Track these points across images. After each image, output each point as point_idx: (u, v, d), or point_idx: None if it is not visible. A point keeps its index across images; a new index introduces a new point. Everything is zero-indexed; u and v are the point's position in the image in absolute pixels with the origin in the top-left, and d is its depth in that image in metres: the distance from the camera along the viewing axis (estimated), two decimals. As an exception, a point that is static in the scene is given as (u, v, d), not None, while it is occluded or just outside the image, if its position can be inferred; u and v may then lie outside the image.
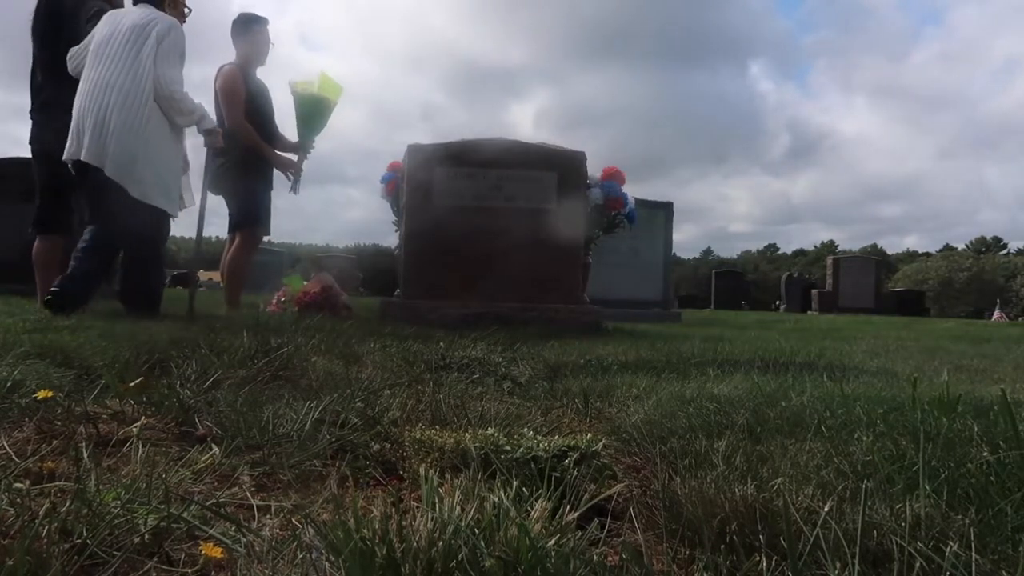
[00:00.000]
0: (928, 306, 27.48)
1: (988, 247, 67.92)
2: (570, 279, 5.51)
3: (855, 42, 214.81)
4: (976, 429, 1.36)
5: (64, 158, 3.94)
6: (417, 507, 0.93)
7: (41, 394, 1.44)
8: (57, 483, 1.03)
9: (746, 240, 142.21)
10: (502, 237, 5.31)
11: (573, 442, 1.24)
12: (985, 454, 1.17)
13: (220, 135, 4.40)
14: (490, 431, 1.33)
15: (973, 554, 0.80)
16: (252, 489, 1.14)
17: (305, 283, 6.41)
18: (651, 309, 9.69)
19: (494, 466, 1.16)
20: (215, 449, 1.30)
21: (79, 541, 0.83)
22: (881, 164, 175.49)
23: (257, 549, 0.87)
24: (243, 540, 0.89)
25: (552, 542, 0.82)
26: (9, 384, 1.61)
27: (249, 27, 5.09)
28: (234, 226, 5.13)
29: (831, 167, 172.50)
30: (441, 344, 3.22)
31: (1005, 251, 66.20)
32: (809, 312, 19.31)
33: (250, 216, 5.11)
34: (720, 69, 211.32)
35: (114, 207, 3.89)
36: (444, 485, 1.03)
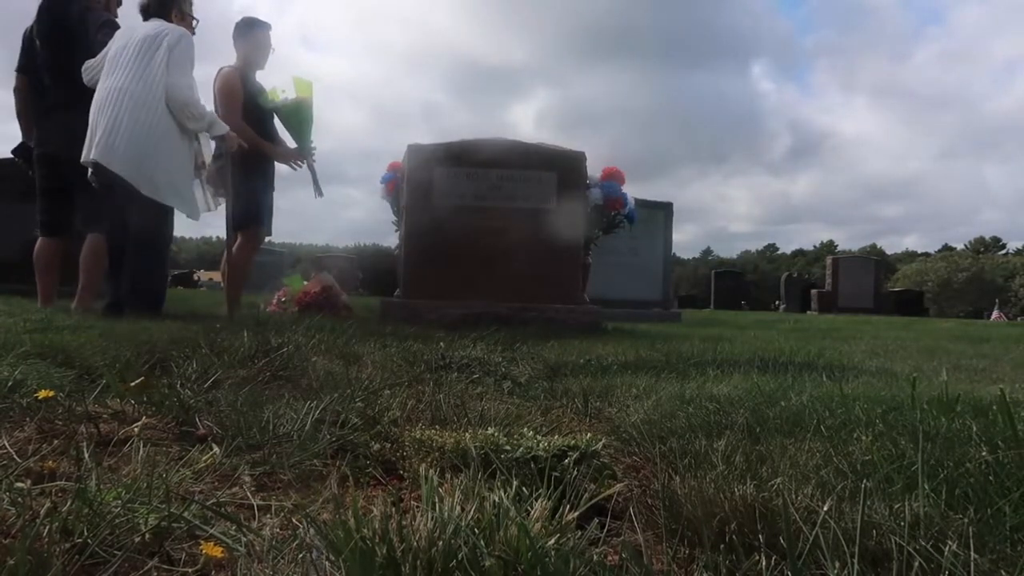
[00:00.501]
0: (927, 306, 27.46)
1: (987, 247, 67.93)
2: (570, 279, 5.51)
3: (856, 42, 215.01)
4: (975, 429, 1.36)
5: (81, 161, 4.07)
6: (417, 507, 0.94)
7: (42, 394, 1.44)
8: (58, 483, 1.03)
9: (746, 240, 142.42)
10: (502, 237, 5.31)
11: (573, 442, 1.24)
12: (984, 454, 1.17)
13: (235, 139, 4.47)
14: (490, 431, 1.33)
15: (972, 553, 0.80)
16: (252, 489, 1.15)
17: (305, 283, 6.42)
18: (651, 309, 9.69)
19: (494, 466, 1.16)
20: (215, 449, 1.30)
21: (80, 540, 0.83)
22: (882, 164, 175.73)
23: (257, 548, 0.87)
24: (243, 540, 0.89)
25: (552, 542, 0.82)
26: (10, 384, 1.61)
27: (251, 31, 5.11)
28: (235, 226, 5.13)
29: (832, 167, 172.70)
30: (441, 344, 3.23)
31: (1004, 251, 66.20)
32: (808, 312, 19.30)
33: (251, 216, 5.11)
34: (721, 69, 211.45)
35: (123, 207, 4.03)
36: (444, 485, 1.03)
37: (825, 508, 0.91)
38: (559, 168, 5.44)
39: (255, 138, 4.95)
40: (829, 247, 79.58)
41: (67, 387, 1.73)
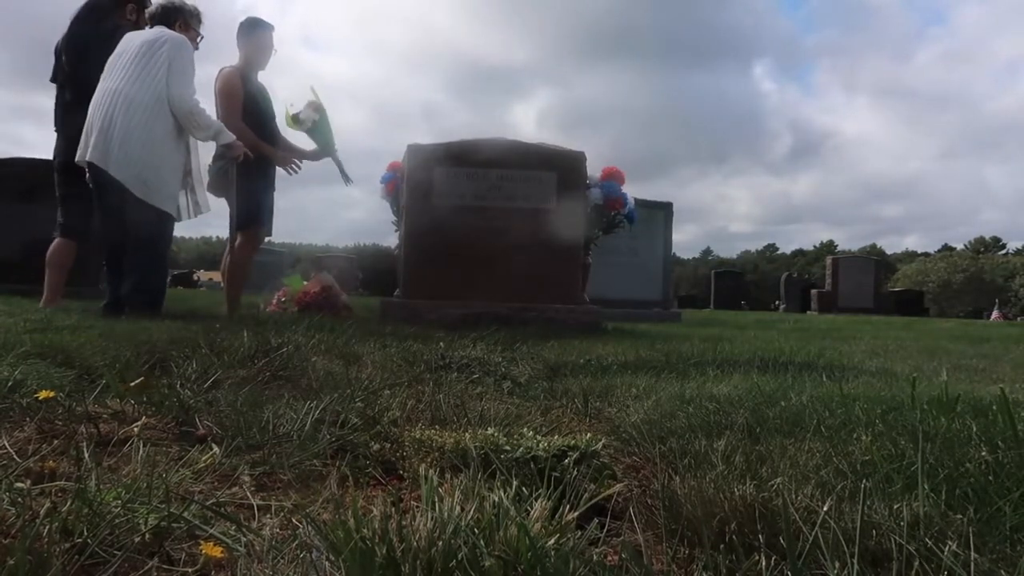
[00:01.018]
0: (927, 306, 27.46)
1: (987, 247, 67.93)
2: (570, 279, 5.51)
3: (858, 42, 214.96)
4: (975, 429, 1.36)
5: (76, 160, 4.13)
6: (417, 507, 0.94)
7: (42, 394, 1.44)
8: (58, 483, 1.03)
9: (746, 240, 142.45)
10: (502, 237, 5.31)
11: (573, 442, 1.24)
12: (984, 454, 1.17)
13: (241, 148, 4.51)
14: (490, 431, 1.33)
15: (972, 553, 0.80)
16: (252, 489, 1.15)
17: (305, 283, 6.42)
18: (651, 309, 9.69)
19: (494, 466, 1.16)
20: (215, 449, 1.30)
21: (80, 540, 0.83)
22: (883, 164, 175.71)
23: (257, 548, 0.87)
24: (243, 540, 0.89)
25: (552, 542, 0.82)
26: (10, 384, 1.61)
27: (254, 31, 5.13)
28: (236, 226, 5.13)
29: (832, 167, 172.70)
30: (441, 344, 3.23)
31: (1004, 251, 66.21)
32: (808, 312, 19.30)
33: (251, 216, 5.11)
34: (722, 69, 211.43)
35: (118, 207, 4.05)
36: (444, 485, 1.03)
37: (825, 508, 0.91)
38: (559, 168, 5.44)
39: (255, 140, 4.96)
40: (829, 247, 79.60)
41: (67, 387, 1.73)
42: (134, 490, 1.00)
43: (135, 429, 1.42)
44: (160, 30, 4.21)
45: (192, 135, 4.24)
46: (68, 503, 0.89)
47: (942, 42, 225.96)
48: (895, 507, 0.96)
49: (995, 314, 25.37)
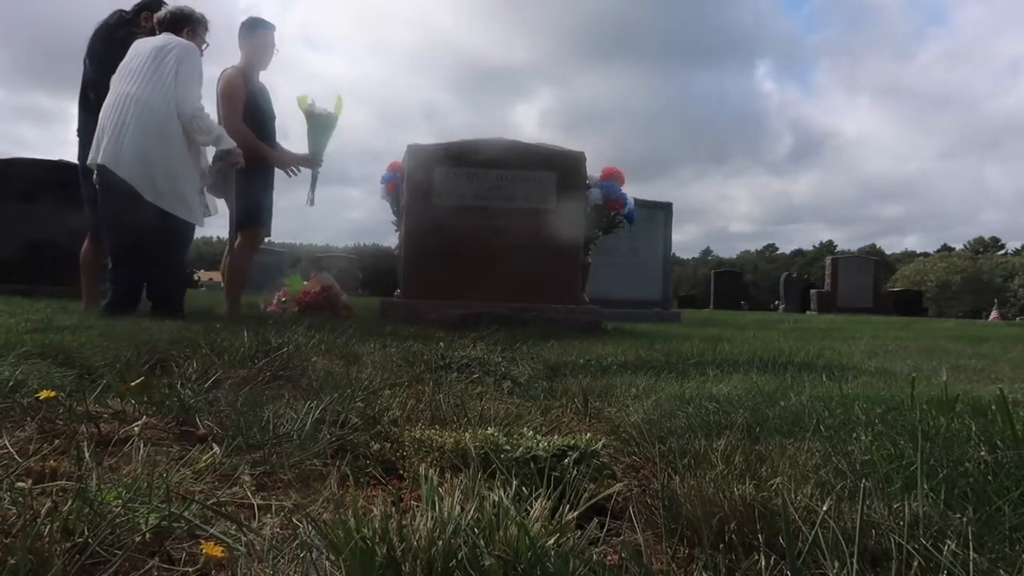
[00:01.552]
0: (926, 306, 27.47)
1: (986, 247, 67.93)
2: (570, 279, 5.51)
3: (859, 41, 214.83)
4: (974, 428, 1.36)
5: (88, 163, 4.20)
6: (417, 506, 0.94)
7: (43, 394, 1.45)
8: (59, 482, 1.03)
9: (747, 240, 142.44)
10: (502, 237, 5.31)
11: (572, 442, 1.25)
12: (983, 453, 1.18)
13: (240, 155, 4.53)
14: (490, 431, 1.33)
15: (971, 553, 0.80)
16: (253, 488, 1.15)
17: (305, 283, 6.42)
18: (650, 309, 9.70)
19: (494, 465, 1.16)
20: (216, 448, 1.30)
21: (80, 540, 0.83)
22: (883, 164, 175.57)
23: (258, 548, 0.87)
24: (244, 539, 0.89)
25: (552, 541, 0.82)
26: (11, 384, 1.62)
27: (255, 31, 5.13)
28: (235, 227, 5.14)
29: (833, 167, 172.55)
30: (441, 344, 3.23)
31: (1003, 251, 66.21)
32: (808, 312, 19.31)
33: (251, 217, 5.11)
34: (724, 68, 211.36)
35: (125, 210, 4.11)
36: (444, 484, 1.04)
37: (824, 508, 0.91)
38: (559, 168, 5.44)
39: (255, 142, 4.96)
40: (828, 247, 79.60)
41: (68, 387, 1.73)
42: (135, 490, 1.00)
43: (136, 429, 1.42)
44: (169, 37, 4.29)
45: (194, 139, 4.29)
46: (69, 503, 0.89)
47: (943, 42, 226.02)
48: (894, 507, 0.96)
49: (993, 314, 25.37)
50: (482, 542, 0.79)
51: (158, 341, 2.58)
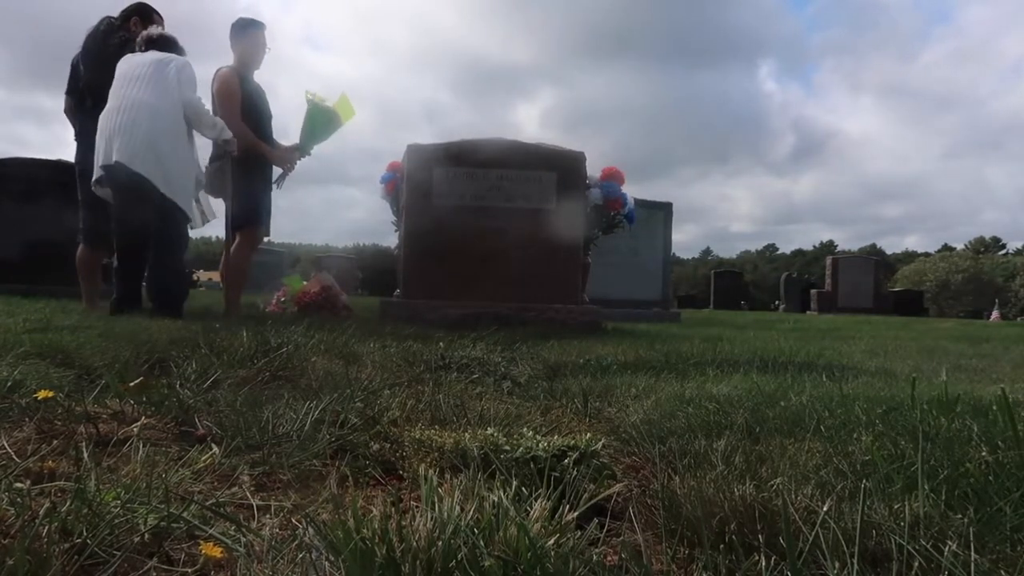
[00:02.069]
0: (927, 306, 27.46)
1: (987, 247, 67.92)
2: (569, 279, 5.51)
3: (863, 41, 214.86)
4: (975, 429, 1.36)
5: (101, 165, 4.33)
6: (417, 507, 0.93)
7: (41, 394, 1.44)
8: (57, 483, 1.03)
9: (746, 240, 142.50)
10: (502, 237, 5.31)
11: (572, 442, 1.24)
12: (984, 454, 1.17)
13: (236, 144, 4.72)
14: (489, 431, 1.33)
15: (972, 553, 0.80)
16: (252, 489, 1.14)
17: (305, 283, 6.42)
18: (650, 309, 9.69)
19: (494, 466, 1.16)
20: (215, 449, 1.30)
21: (79, 541, 0.83)
22: (885, 164, 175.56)
23: (257, 549, 0.87)
24: (243, 540, 0.89)
25: (551, 542, 0.82)
26: (9, 384, 1.61)
27: (245, 31, 5.16)
28: (234, 226, 5.14)
29: (835, 167, 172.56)
30: (440, 344, 3.23)
31: (1004, 251, 66.22)
32: (808, 312, 19.31)
33: (250, 216, 5.12)
34: (727, 68, 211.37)
35: (138, 207, 4.32)
36: (444, 485, 1.03)
37: (825, 508, 0.91)
38: (559, 168, 5.44)
39: (253, 139, 4.98)
40: (829, 247, 79.63)
41: (66, 387, 1.73)
42: (133, 490, 1.00)
43: (134, 429, 1.41)
44: (163, 53, 4.55)
45: (200, 133, 4.56)
46: (67, 503, 0.89)
47: (947, 42, 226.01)
48: (895, 507, 0.96)
49: (994, 314, 25.38)
50: (482, 542, 0.79)
51: (157, 341, 2.58)
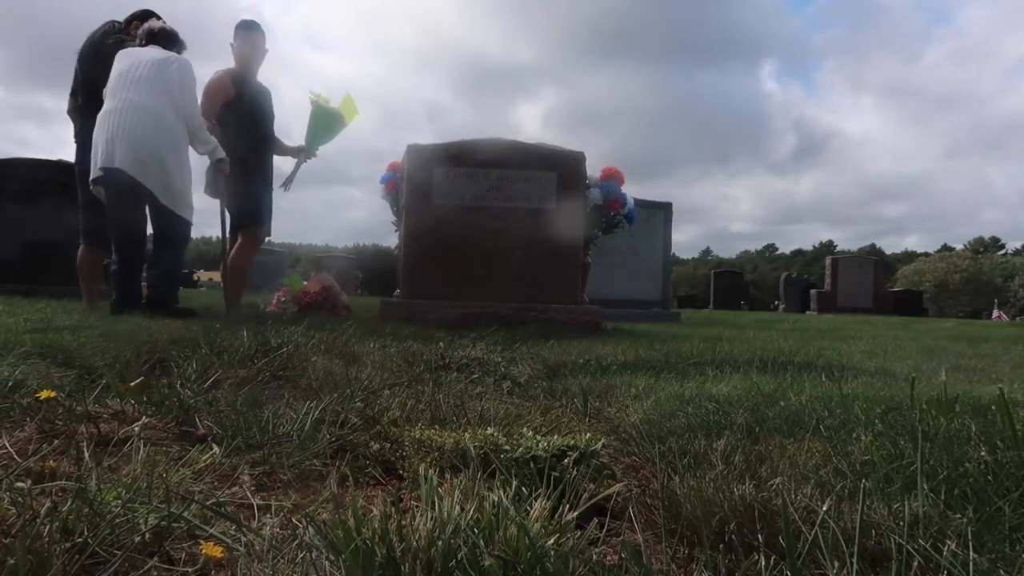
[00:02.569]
0: (926, 306, 27.46)
1: (986, 247, 67.91)
2: (569, 279, 5.51)
3: (865, 41, 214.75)
4: (974, 429, 1.36)
5: (101, 167, 4.33)
6: (417, 506, 0.94)
7: (43, 394, 1.44)
8: (58, 482, 1.03)
9: (746, 240, 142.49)
10: (501, 237, 5.31)
11: (572, 442, 1.25)
12: (983, 454, 1.17)
13: (228, 164, 4.78)
14: (489, 431, 1.33)
15: (971, 553, 0.80)
16: (252, 488, 1.15)
17: (305, 283, 6.42)
18: (650, 309, 9.70)
19: (493, 466, 1.16)
20: (215, 449, 1.30)
21: (80, 540, 0.83)
22: (886, 164, 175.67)
23: (257, 548, 0.87)
24: (243, 539, 0.89)
25: (551, 541, 0.82)
26: (11, 384, 1.61)
27: (242, 34, 5.21)
28: (235, 226, 5.15)
29: (836, 167, 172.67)
30: (440, 344, 3.23)
31: (1003, 251, 66.20)
32: (807, 312, 19.31)
33: (251, 216, 5.13)
34: (729, 68, 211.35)
35: (140, 212, 4.41)
36: (444, 485, 1.04)
37: (824, 508, 0.91)
38: (558, 168, 5.44)
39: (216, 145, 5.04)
40: (828, 247, 79.63)
41: (67, 387, 1.73)
42: (134, 490, 1.00)
43: (135, 429, 1.42)
44: (163, 50, 4.51)
45: (194, 148, 4.58)
46: (68, 503, 0.89)
47: (948, 42, 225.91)
48: (894, 507, 0.96)
49: (996, 313, 25.36)
50: (482, 542, 0.79)
51: (158, 341, 2.58)
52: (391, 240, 7.87)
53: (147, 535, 0.89)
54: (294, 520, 1.01)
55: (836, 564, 0.80)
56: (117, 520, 0.88)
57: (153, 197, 4.32)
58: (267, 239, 5.70)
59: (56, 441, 1.31)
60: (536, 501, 0.93)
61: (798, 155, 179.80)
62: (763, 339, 4.93)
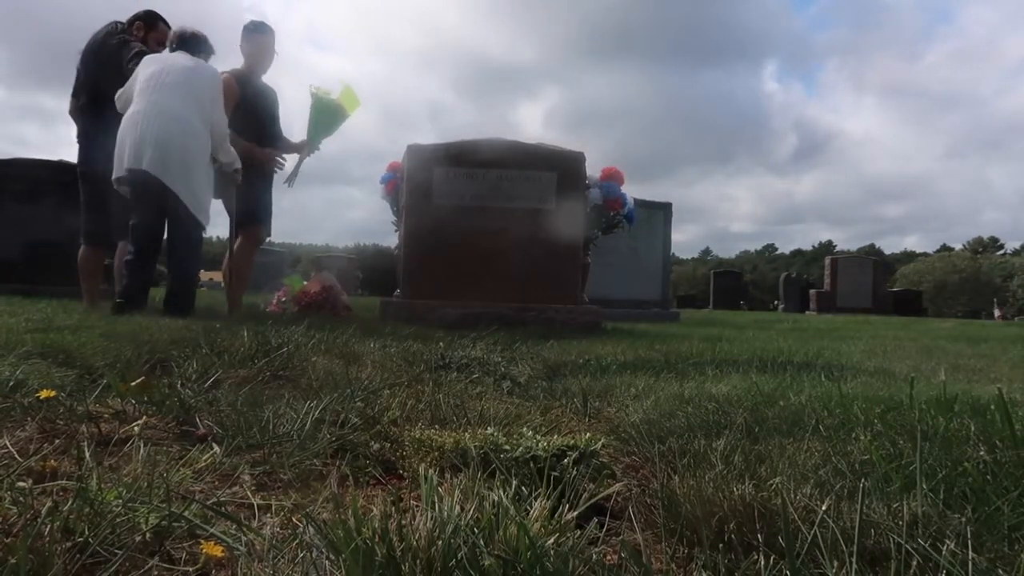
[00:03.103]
0: (925, 306, 27.46)
1: (985, 247, 67.90)
2: (569, 279, 5.51)
3: (866, 41, 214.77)
4: (973, 428, 1.36)
5: (127, 167, 4.35)
6: (417, 506, 0.94)
7: (43, 393, 1.45)
8: (59, 482, 1.03)
9: (746, 240, 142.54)
10: (501, 237, 5.31)
11: (572, 441, 1.25)
12: (982, 453, 1.18)
13: (239, 174, 4.81)
14: (489, 430, 1.33)
15: (970, 552, 0.80)
16: (253, 488, 1.15)
17: (305, 283, 6.42)
18: (650, 309, 9.70)
19: (493, 465, 1.16)
20: (216, 448, 1.30)
21: (81, 540, 0.84)
22: (886, 164, 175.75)
23: (258, 548, 0.87)
24: (244, 539, 0.90)
25: (551, 541, 0.83)
26: (12, 383, 1.62)
27: (254, 35, 5.21)
28: (236, 226, 5.15)
29: (836, 167, 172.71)
30: (440, 344, 3.23)
31: (1002, 251, 66.20)
32: (807, 312, 19.31)
33: (252, 216, 5.13)
34: (731, 68, 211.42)
35: (161, 215, 4.45)
36: (444, 484, 1.04)
37: (824, 507, 0.92)
38: (558, 168, 5.44)
39: (241, 142, 5.02)
40: (828, 247, 79.65)
41: (68, 387, 1.73)
42: (135, 489, 1.00)
43: (136, 429, 1.42)
44: (196, 59, 4.58)
45: (216, 157, 4.62)
46: (69, 502, 0.89)
47: (949, 42, 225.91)
48: (894, 506, 0.96)
49: (997, 314, 25.36)
50: (482, 542, 0.79)
51: (158, 341, 2.58)
52: (391, 240, 7.87)
53: (148, 534, 0.89)
54: (294, 520, 1.01)
55: (835, 563, 0.81)
56: (118, 520, 0.89)
57: (177, 200, 4.37)
58: (267, 239, 5.70)
59: (57, 441, 1.31)
60: (536, 501, 0.93)
61: (799, 155, 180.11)
62: (763, 339, 4.93)
